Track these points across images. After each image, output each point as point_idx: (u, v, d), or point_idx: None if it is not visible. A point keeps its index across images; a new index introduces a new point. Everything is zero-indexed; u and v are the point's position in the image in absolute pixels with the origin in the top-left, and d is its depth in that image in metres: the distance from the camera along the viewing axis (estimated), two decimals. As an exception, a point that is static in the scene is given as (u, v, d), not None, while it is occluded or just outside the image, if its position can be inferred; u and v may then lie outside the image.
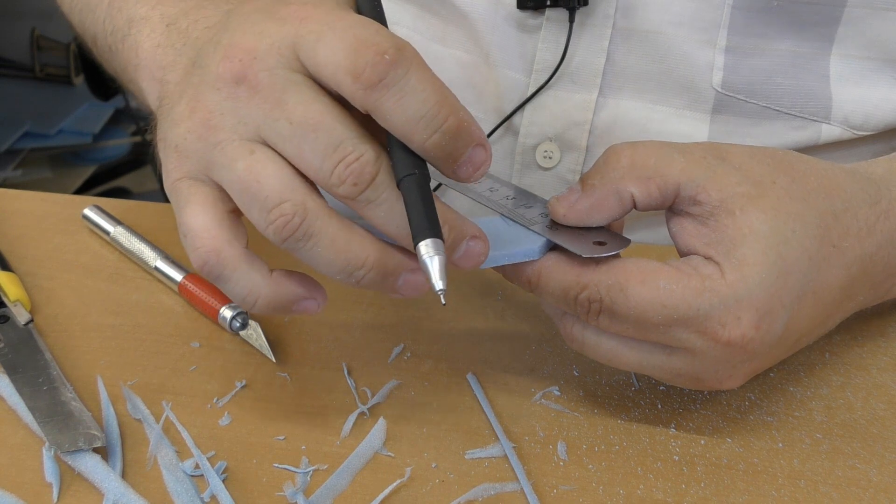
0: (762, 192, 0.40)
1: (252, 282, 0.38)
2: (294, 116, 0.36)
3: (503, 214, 0.43)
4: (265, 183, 0.36)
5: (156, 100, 0.45)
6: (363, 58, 0.34)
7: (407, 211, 0.36)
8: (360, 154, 0.35)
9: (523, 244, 0.42)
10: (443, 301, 0.35)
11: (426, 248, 0.35)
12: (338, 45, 0.35)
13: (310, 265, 0.37)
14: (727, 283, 0.38)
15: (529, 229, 0.43)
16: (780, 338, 0.40)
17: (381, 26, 0.36)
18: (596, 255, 0.40)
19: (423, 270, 0.35)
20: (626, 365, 0.42)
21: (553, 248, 0.42)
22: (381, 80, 0.34)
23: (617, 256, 0.41)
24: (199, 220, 0.38)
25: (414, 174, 0.36)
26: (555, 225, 0.42)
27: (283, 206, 0.36)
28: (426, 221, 0.35)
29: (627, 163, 0.41)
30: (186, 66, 0.42)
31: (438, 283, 0.35)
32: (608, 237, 0.41)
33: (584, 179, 0.42)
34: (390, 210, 0.36)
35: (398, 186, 0.36)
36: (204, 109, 0.38)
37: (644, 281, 0.39)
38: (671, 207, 0.42)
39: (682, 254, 0.41)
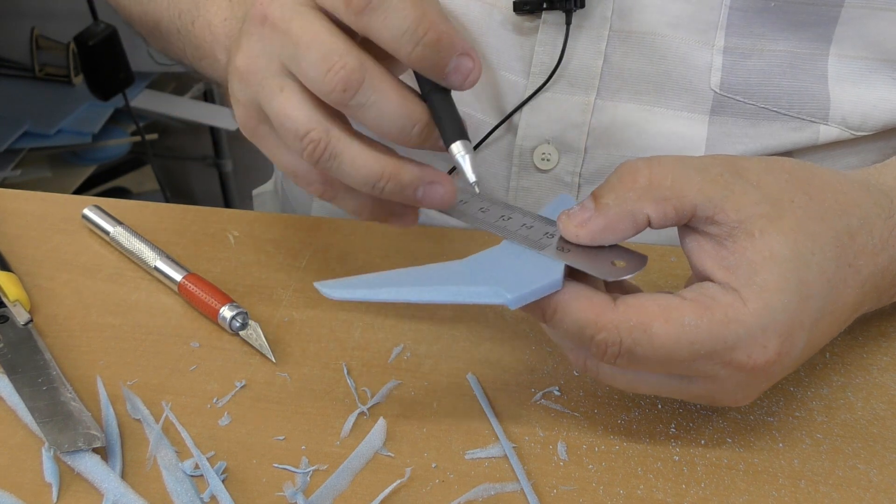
0: (781, 212, 0.39)
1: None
2: (298, 39, 0.40)
3: (509, 238, 0.42)
4: (292, 116, 0.41)
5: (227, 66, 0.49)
6: None
7: (436, 120, 0.41)
8: (346, 62, 0.39)
9: (541, 272, 0.39)
10: (477, 190, 0.42)
11: (458, 147, 0.41)
12: None
13: (339, 179, 0.42)
14: (751, 311, 0.38)
15: (543, 254, 0.41)
16: (797, 358, 0.40)
17: None
18: (619, 278, 0.39)
19: (457, 167, 0.41)
20: (644, 392, 0.42)
21: (568, 272, 0.39)
22: (367, 4, 0.38)
23: (633, 294, 0.40)
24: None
25: (441, 92, 0.41)
26: (564, 244, 0.41)
27: (311, 133, 0.41)
28: (455, 126, 0.41)
29: (645, 182, 0.40)
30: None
31: (472, 176, 0.41)
32: (625, 256, 0.40)
33: (597, 197, 0.40)
34: (379, 112, 0.40)
35: (425, 101, 0.41)
36: (245, 57, 0.42)
37: (668, 319, 0.38)
38: (686, 223, 0.41)
39: (696, 271, 0.41)
